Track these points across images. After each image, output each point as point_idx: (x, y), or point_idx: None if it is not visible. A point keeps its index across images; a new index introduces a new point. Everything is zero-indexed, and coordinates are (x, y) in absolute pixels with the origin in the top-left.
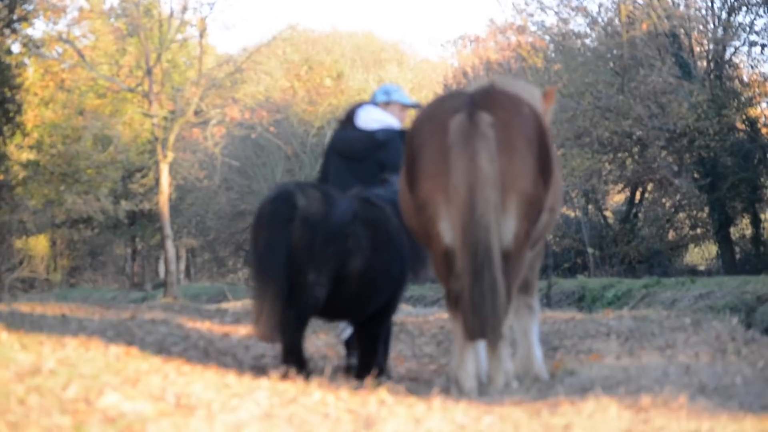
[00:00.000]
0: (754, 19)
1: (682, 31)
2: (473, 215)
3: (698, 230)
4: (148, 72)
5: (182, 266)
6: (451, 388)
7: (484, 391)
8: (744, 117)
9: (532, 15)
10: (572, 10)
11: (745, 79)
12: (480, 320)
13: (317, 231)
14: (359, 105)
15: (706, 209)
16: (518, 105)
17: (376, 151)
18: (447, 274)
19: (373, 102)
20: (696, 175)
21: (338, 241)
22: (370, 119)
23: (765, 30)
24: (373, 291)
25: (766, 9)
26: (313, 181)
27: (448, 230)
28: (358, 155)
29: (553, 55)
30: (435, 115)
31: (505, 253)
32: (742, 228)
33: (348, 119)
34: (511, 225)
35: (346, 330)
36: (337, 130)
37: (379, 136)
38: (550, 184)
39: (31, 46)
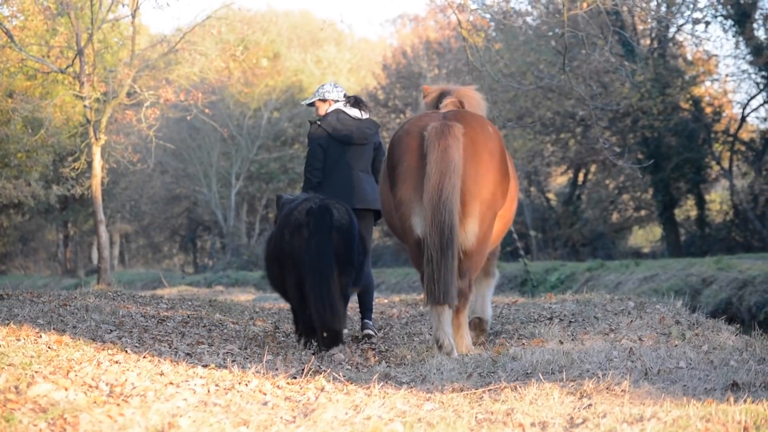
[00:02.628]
0: None
1: (624, 9)
2: (441, 199)
3: (642, 212)
4: (80, 53)
5: (116, 252)
6: (433, 349)
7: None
8: (688, 96)
9: None
10: None
11: (689, 57)
12: (443, 287)
13: (346, 235)
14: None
15: (651, 191)
16: (484, 124)
17: (377, 135)
18: (420, 261)
19: (322, 98)
20: (640, 156)
21: (356, 240)
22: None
23: (708, 7)
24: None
25: None
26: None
27: (419, 224)
28: (367, 139)
29: (494, 34)
30: (412, 129)
31: (468, 251)
32: (686, 209)
33: (333, 111)
34: (474, 227)
35: None
36: (328, 121)
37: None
38: (507, 196)
39: None
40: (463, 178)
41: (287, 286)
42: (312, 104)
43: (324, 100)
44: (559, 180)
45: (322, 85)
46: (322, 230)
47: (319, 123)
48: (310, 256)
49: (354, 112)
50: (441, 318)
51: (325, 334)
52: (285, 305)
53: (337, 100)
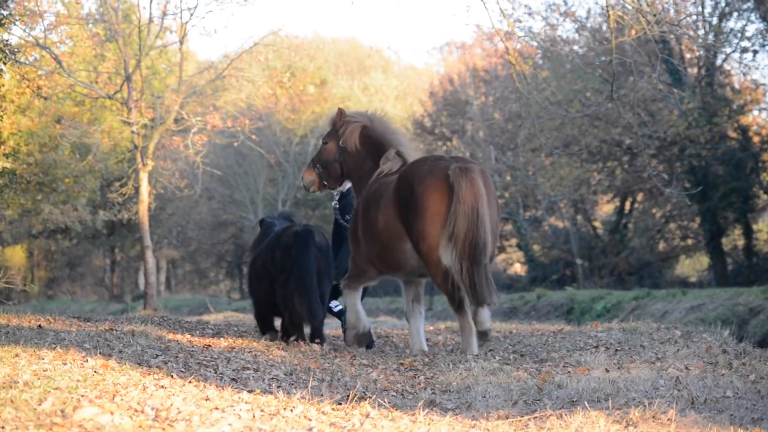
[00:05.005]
0: (746, 24)
1: (672, 37)
2: (478, 218)
3: (689, 241)
4: (127, 79)
5: (162, 277)
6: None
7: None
8: (736, 125)
9: (519, 21)
10: (560, 15)
11: (737, 86)
12: (487, 289)
13: (323, 252)
14: None
15: (698, 219)
16: (485, 169)
17: None
18: (449, 285)
19: None
20: (687, 185)
21: (330, 257)
22: None
23: (756, 36)
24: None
25: (757, 15)
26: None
27: (446, 255)
28: None
29: (541, 61)
30: (433, 169)
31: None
32: (734, 239)
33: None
34: (491, 249)
35: (339, 306)
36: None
37: None
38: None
39: (7, 51)
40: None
41: (276, 296)
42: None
43: None
44: (606, 208)
45: None
46: (307, 249)
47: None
48: (297, 269)
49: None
50: (470, 337)
51: (308, 331)
52: (331, 331)
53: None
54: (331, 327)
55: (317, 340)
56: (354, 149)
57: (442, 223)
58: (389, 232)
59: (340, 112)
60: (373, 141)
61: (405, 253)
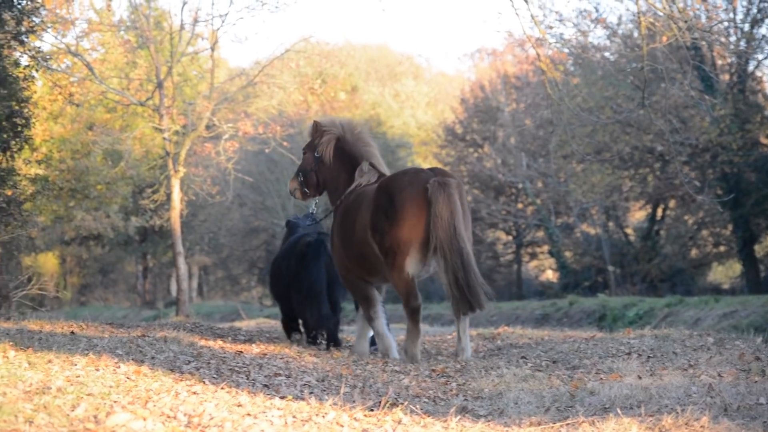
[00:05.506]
0: None
1: (704, 43)
2: (456, 232)
3: (722, 248)
4: (159, 85)
5: (195, 284)
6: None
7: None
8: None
9: (551, 27)
10: (591, 22)
11: None
12: (474, 297)
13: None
14: None
15: (730, 226)
16: (461, 183)
17: None
18: (407, 293)
19: None
20: (719, 192)
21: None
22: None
23: None
24: None
25: None
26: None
27: (413, 264)
28: None
29: (572, 68)
30: (412, 182)
31: None
32: (766, 245)
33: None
34: None
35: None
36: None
37: None
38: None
39: (40, 59)
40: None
41: (293, 300)
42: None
43: None
44: (638, 215)
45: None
46: (318, 259)
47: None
48: (308, 278)
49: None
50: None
51: (324, 334)
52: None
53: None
54: (349, 333)
55: (332, 344)
56: (328, 161)
57: (415, 234)
58: (366, 240)
59: (315, 125)
60: (347, 153)
61: (380, 259)
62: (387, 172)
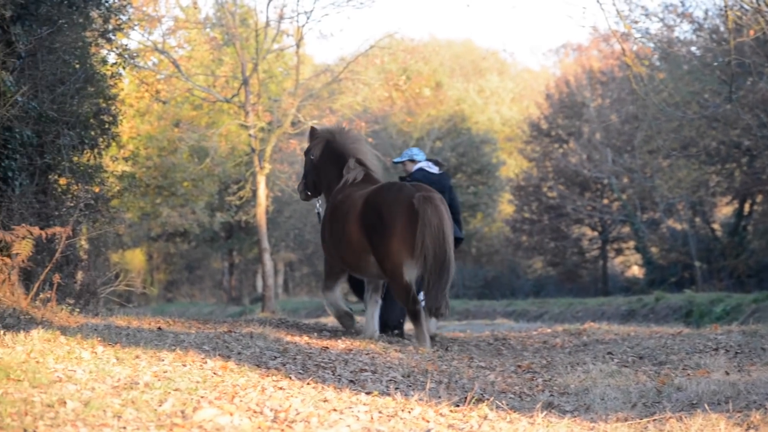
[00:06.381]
0: None
1: None
2: (444, 238)
3: None
4: (245, 82)
5: (280, 280)
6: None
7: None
8: None
9: (636, 22)
10: (677, 16)
11: None
12: (444, 301)
13: None
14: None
15: None
16: (443, 198)
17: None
18: (408, 299)
19: (412, 159)
20: None
21: None
22: (432, 167)
23: None
24: None
25: None
26: None
27: (409, 271)
28: (444, 188)
29: (657, 63)
30: (400, 197)
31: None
32: None
33: (417, 169)
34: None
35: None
36: (415, 177)
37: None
38: None
39: (127, 56)
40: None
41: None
42: (401, 162)
43: (413, 161)
44: (725, 210)
45: (411, 149)
46: None
47: (408, 179)
48: None
49: (433, 169)
50: (426, 323)
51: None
52: (450, 333)
53: (421, 161)
54: (449, 329)
55: (396, 332)
56: (320, 162)
57: (406, 245)
58: (354, 244)
59: (312, 130)
60: (336, 153)
61: (369, 262)
62: (375, 167)
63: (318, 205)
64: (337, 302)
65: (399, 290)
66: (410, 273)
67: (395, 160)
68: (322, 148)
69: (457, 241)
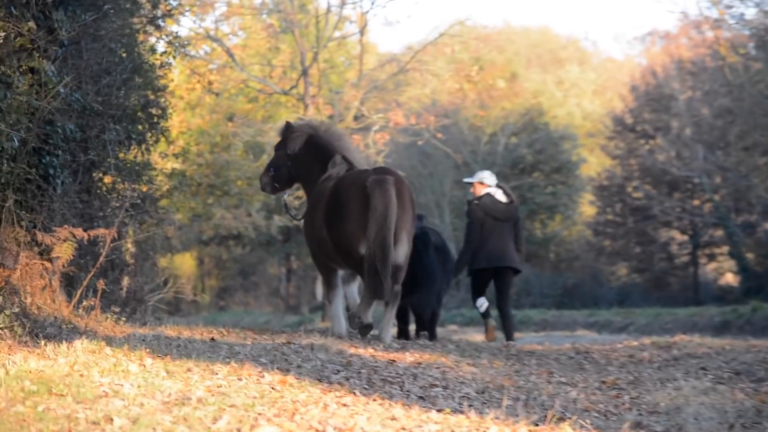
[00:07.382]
0: None
1: None
2: (386, 224)
3: None
4: (304, 73)
5: None
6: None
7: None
8: None
9: (730, 7)
10: None
11: None
12: (383, 287)
13: (440, 252)
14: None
15: None
16: (403, 179)
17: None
18: (361, 270)
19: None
20: None
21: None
22: (500, 194)
23: None
24: None
25: None
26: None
27: (363, 247)
28: (513, 218)
29: (754, 51)
30: (354, 182)
31: (399, 265)
32: None
33: (486, 194)
34: (404, 249)
35: (484, 305)
36: (485, 201)
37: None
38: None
39: (177, 44)
40: (397, 214)
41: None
42: (470, 183)
43: (482, 184)
44: None
45: (483, 171)
46: (427, 250)
47: (477, 202)
48: (420, 267)
49: (502, 197)
50: (371, 306)
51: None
52: (527, 346)
53: (491, 185)
54: (526, 341)
55: (423, 333)
56: (301, 156)
57: (360, 226)
58: (322, 236)
59: (288, 125)
60: (320, 148)
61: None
62: (361, 164)
63: (285, 198)
64: (339, 315)
65: (354, 262)
66: (365, 251)
67: (465, 179)
68: (303, 143)
69: (515, 271)
